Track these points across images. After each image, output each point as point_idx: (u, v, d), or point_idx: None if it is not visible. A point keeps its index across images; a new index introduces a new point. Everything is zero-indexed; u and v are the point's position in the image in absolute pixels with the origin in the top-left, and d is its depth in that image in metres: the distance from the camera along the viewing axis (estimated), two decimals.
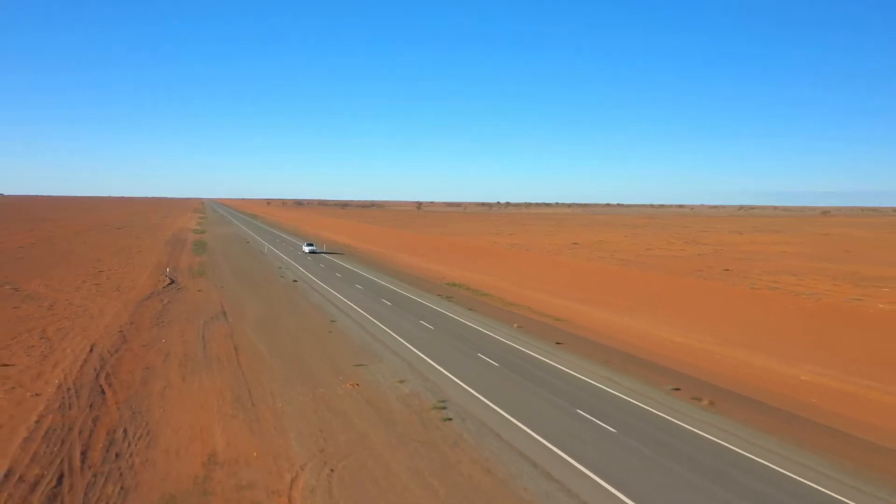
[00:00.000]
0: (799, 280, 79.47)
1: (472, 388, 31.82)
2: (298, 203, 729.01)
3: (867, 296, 66.29)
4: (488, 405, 29.32)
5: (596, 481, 21.65)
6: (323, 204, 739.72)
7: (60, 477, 21.81)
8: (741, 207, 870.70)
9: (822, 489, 21.55)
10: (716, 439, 25.83)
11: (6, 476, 21.66)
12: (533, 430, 26.07)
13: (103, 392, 31.11)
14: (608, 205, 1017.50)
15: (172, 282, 71.04)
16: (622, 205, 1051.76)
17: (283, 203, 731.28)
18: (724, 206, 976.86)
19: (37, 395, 30.30)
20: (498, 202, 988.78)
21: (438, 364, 36.54)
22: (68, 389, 31.20)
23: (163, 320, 49.28)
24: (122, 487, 21.21)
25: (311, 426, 26.95)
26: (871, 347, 42.55)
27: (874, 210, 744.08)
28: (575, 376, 34.49)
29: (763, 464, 23.51)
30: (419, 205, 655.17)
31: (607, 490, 21.05)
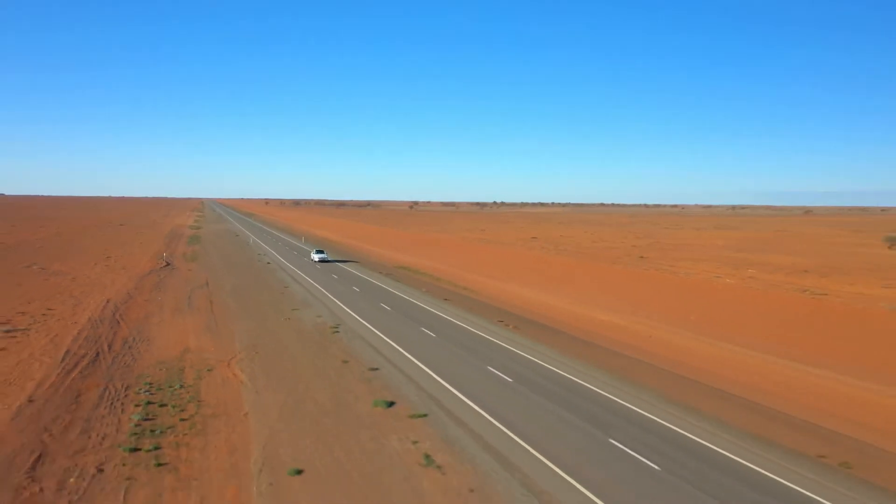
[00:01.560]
0: (693, 265, 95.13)
1: (363, 319, 47.78)
2: (296, 203, 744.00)
3: (728, 275, 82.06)
4: (367, 327, 45.24)
5: (407, 356, 37.47)
6: (320, 204, 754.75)
7: (97, 354, 37.57)
8: (733, 207, 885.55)
9: (554, 368, 37.10)
10: (498, 341, 41.64)
11: (66, 353, 37.42)
12: (385, 336, 42.00)
13: (118, 322, 46.91)
14: (603, 204, 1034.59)
15: (168, 264, 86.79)
16: (617, 204, 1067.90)
17: (282, 203, 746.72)
18: (716, 206, 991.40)
19: (75, 322, 46.13)
20: (494, 202, 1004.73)
21: (349, 308, 52.51)
22: (95, 320, 47.01)
23: (159, 287, 65.09)
24: (133, 358, 36.93)
25: (251, 337, 42.74)
26: (673, 304, 58.39)
27: (863, 209, 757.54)
28: (437, 314, 50.44)
29: (525, 356, 39.15)
30: (411, 205, 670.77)
31: (412, 360, 36.83)
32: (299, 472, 21.76)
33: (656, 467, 21.81)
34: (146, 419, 26.73)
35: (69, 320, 46.94)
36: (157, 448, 23.73)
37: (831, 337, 44.08)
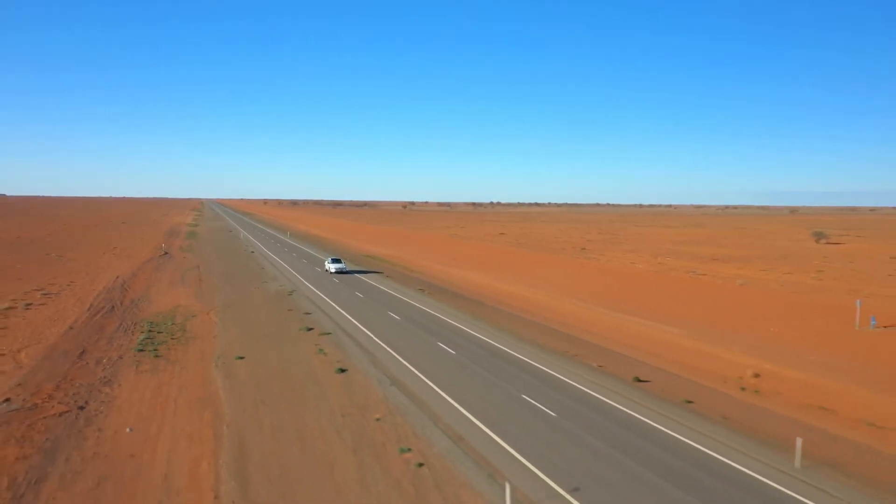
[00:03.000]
0: (622, 255, 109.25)
1: (314, 287, 61.96)
2: (294, 203, 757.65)
3: (643, 262, 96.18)
4: (315, 292, 59.43)
5: (334, 307, 51.60)
6: (318, 204, 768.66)
7: (112, 307, 51.70)
8: (726, 207, 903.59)
9: (435, 314, 51.13)
10: (408, 300, 55.79)
11: (90, 306, 51.55)
12: (326, 297, 56.20)
13: (126, 290, 61.05)
14: (599, 204, 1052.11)
15: (167, 253, 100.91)
16: (615, 204, 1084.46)
17: (279, 203, 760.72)
18: (710, 206, 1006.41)
19: (93, 289, 60.27)
20: (492, 202, 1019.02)
21: (306, 281, 66.70)
22: (108, 289, 61.15)
23: (159, 269, 79.19)
24: (139, 310, 51.03)
25: (227, 299, 56.83)
26: (575, 281, 72.48)
27: (853, 209, 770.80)
28: (374, 285, 64.64)
29: (420, 307, 53.18)
30: (405, 205, 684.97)
31: (336, 309, 50.94)
32: (241, 357, 35.88)
33: (453, 352, 36.00)
34: (148, 339, 40.76)
35: (89, 288, 61.13)
36: (155, 350, 37.80)
37: (669, 299, 58.22)
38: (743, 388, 31.13)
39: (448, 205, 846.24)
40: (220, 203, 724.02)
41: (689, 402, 28.38)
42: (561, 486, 19.74)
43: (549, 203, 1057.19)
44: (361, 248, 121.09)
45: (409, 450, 22.46)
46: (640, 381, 31.49)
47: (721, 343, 40.76)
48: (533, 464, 21.38)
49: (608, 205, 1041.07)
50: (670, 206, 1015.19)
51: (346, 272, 76.50)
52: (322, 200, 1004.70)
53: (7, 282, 63.54)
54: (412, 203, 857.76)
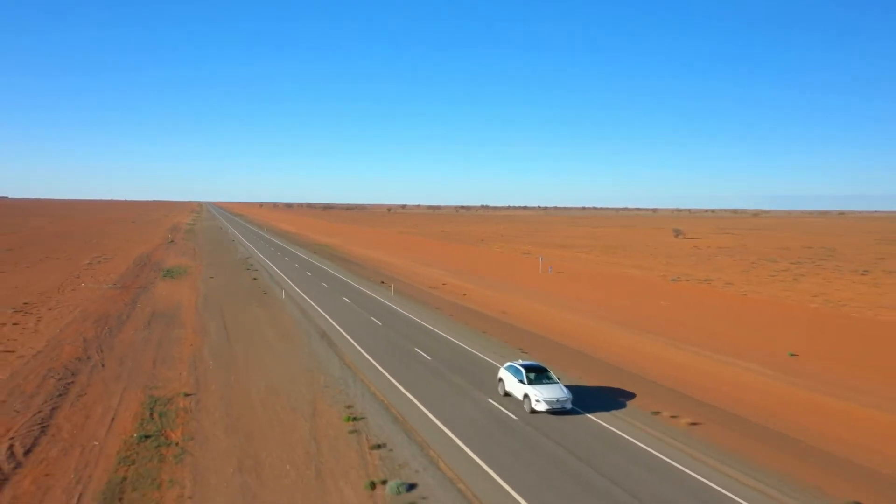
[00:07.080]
0: (516, 246, 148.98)
1: (264, 257, 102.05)
2: (288, 206, 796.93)
3: (511, 249, 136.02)
4: (264, 259, 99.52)
5: (269, 264, 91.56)
6: (311, 207, 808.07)
7: (144, 264, 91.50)
8: (705, 210, 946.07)
9: (329, 270, 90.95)
10: (318, 264, 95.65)
11: (132, 263, 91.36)
12: (269, 261, 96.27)
13: (149, 258, 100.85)
14: (585, 208, 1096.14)
15: (172, 241, 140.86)
16: (597, 208, 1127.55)
17: (274, 206, 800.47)
18: (692, 209, 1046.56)
19: (131, 257, 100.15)
20: (482, 205, 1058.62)
21: (259, 252, 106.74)
22: (139, 256, 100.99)
23: (167, 249, 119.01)
24: (159, 266, 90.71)
25: (210, 261, 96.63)
26: (436, 256, 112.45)
27: (823, 213, 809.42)
28: (304, 259, 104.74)
29: (321, 267, 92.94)
30: (389, 208, 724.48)
31: (270, 265, 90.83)
32: (212, 277, 75.65)
33: (310, 274, 75.95)
34: (167, 274, 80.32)
35: (127, 257, 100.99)
36: (171, 277, 77.45)
37: (477, 264, 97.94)
38: (431, 287, 70.87)
39: (436, 208, 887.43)
40: (218, 206, 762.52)
41: (388, 285, 68.09)
42: (304, 294, 59.53)
43: (537, 206, 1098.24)
44: (318, 239, 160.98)
45: (265, 292, 62.43)
46: (382, 282, 71.34)
47: (458, 277, 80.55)
48: (299, 290, 61.02)
49: (594, 208, 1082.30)
50: (654, 209, 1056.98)
51: (566, 411, 29.94)
52: (315, 203, 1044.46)
53: (77, 254, 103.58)
54: (402, 206, 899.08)
